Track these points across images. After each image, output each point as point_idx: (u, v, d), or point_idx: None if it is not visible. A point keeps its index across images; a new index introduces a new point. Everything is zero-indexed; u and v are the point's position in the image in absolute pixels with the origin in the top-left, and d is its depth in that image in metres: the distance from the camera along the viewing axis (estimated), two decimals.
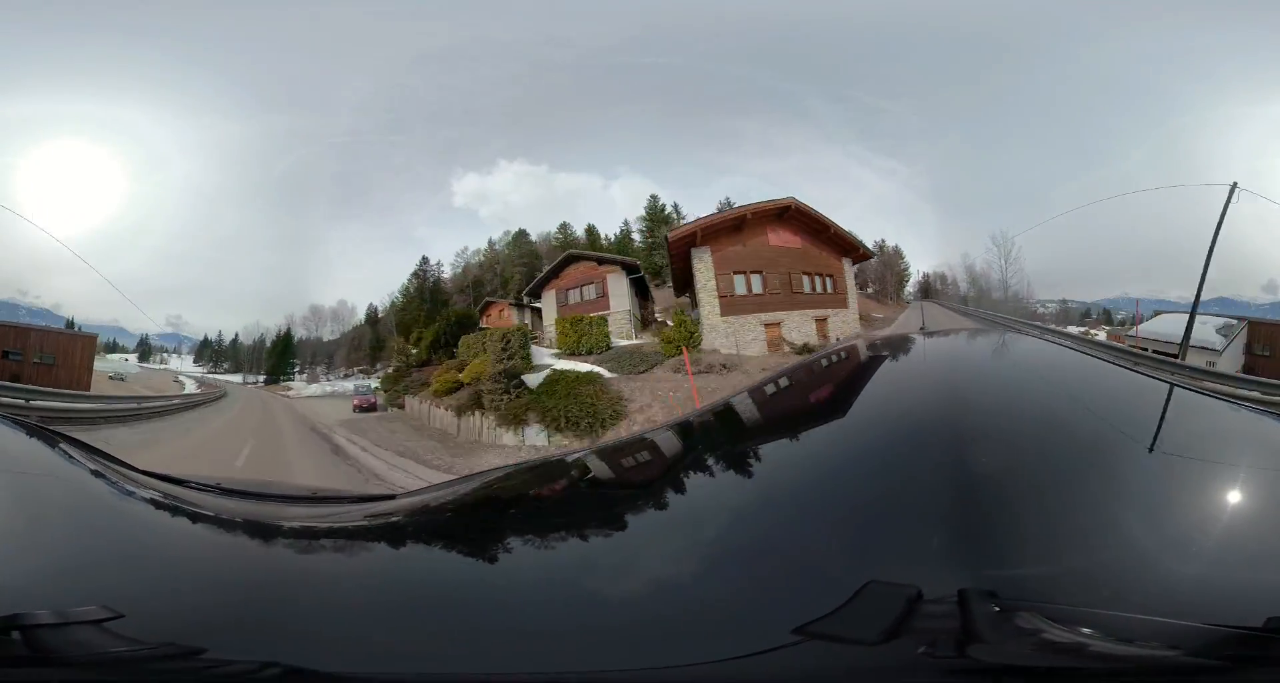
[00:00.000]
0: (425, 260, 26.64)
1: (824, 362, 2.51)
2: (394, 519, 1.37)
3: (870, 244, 19.82)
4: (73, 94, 16.56)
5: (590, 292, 19.15)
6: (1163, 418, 1.61)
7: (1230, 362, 16.61)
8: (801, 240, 16.23)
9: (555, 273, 20.37)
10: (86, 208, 18.05)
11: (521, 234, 27.16)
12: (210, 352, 30.84)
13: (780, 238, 15.87)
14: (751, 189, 30.70)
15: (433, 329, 22.11)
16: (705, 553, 1.04)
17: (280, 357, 28.61)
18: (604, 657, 0.83)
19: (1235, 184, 15.74)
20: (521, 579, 1.05)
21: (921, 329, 2.51)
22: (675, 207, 24.27)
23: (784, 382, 2.25)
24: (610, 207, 28.54)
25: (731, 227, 15.09)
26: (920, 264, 26.27)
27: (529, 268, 24.91)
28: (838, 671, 0.77)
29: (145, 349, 27.53)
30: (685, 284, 17.99)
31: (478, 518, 1.40)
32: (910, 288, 25.81)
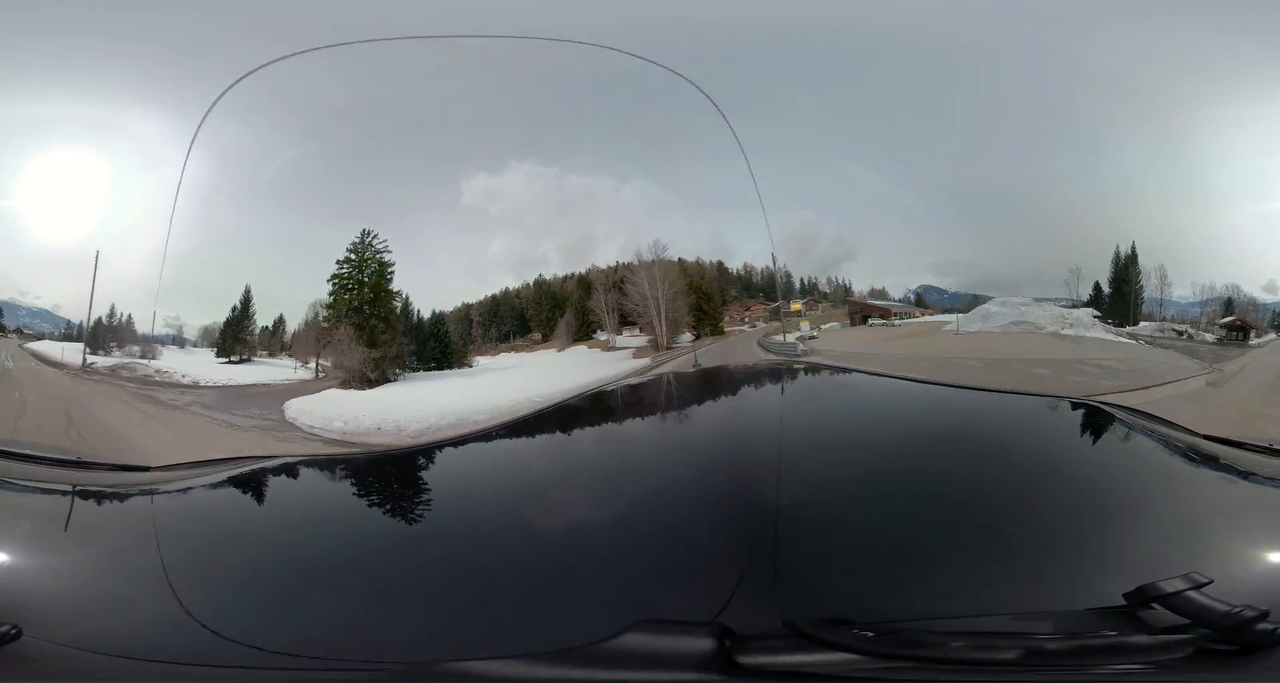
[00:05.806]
0: None
1: (613, 395, 2.48)
2: (146, 495, 1.52)
3: (863, 244, 29.55)
4: (75, 96, 17.10)
5: None
6: (963, 423, 1.59)
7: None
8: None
9: None
10: (86, 208, 18.56)
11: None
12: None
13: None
14: (749, 189, 31.44)
15: None
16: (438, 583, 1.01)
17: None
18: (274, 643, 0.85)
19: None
20: (253, 569, 1.07)
21: (695, 365, 2.61)
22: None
23: (571, 411, 2.19)
24: (621, 207, 28.95)
25: None
26: (913, 262, 28.33)
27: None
28: None
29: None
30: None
31: (225, 504, 1.51)
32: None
